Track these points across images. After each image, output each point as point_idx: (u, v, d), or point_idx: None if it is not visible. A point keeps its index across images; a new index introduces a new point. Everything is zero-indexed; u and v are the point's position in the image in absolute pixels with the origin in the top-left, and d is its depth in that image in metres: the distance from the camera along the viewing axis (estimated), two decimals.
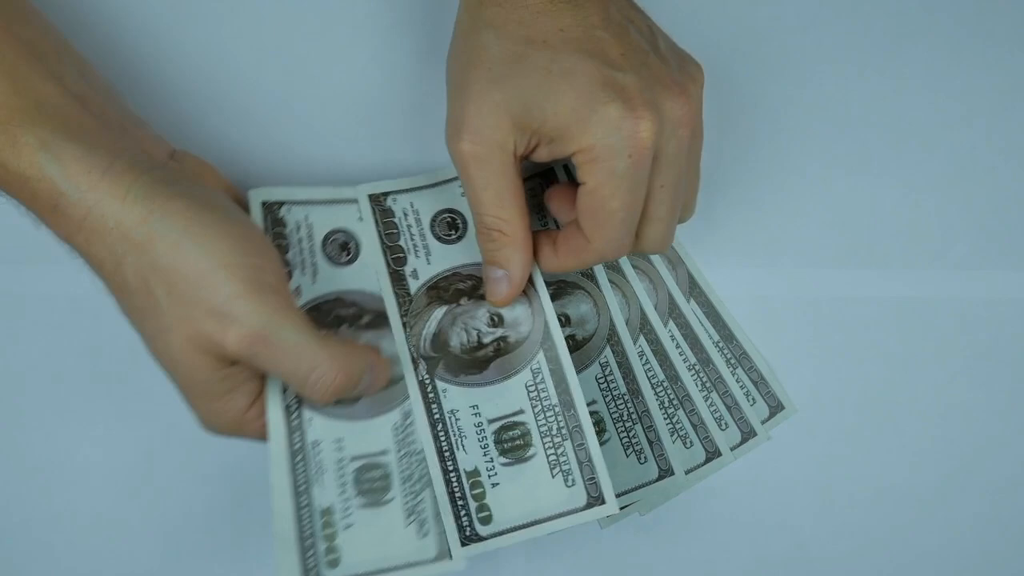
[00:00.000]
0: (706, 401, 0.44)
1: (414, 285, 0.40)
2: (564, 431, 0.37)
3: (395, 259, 0.40)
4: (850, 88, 0.46)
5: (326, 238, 0.39)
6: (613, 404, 0.43)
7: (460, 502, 0.37)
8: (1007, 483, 0.44)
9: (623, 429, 0.43)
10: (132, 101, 0.40)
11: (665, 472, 0.43)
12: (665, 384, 0.43)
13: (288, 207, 0.39)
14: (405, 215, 0.41)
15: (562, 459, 0.37)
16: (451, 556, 0.35)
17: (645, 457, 0.43)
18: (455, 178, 0.42)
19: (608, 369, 0.43)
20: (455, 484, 0.37)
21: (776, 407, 0.44)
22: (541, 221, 0.43)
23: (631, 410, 0.43)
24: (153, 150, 0.35)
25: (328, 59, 0.43)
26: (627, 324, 0.44)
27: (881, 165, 0.45)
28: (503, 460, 0.37)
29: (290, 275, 0.38)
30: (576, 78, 0.33)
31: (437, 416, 0.38)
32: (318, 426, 0.37)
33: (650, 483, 0.42)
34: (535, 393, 0.38)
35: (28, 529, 0.42)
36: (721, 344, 0.44)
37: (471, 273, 0.40)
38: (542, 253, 0.38)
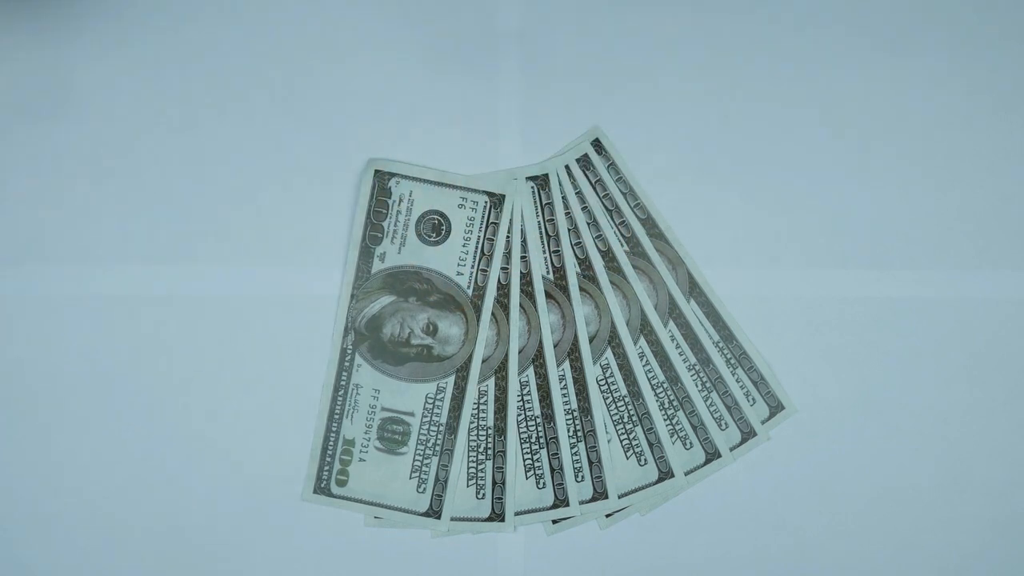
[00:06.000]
0: (706, 401, 0.44)
1: (376, 266, 0.43)
2: (438, 448, 0.42)
3: (372, 236, 0.43)
4: (850, 88, 0.46)
5: (422, 216, 0.43)
6: (614, 406, 0.43)
7: (328, 458, 0.42)
8: (1007, 483, 0.45)
9: (623, 431, 0.43)
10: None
11: (665, 474, 0.43)
12: (665, 385, 0.43)
13: (397, 180, 0.43)
14: (400, 200, 0.43)
15: (424, 468, 0.42)
16: (440, 518, 0.42)
17: (645, 459, 0.43)
18: (463, 186, 0.43)
19: (609, 371, 0.43)
20: (331, 443, 0.42)
21: (776, 407, 0.44)
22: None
23: (631, 412, 0.43)
24: None
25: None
26: (627, 325, 0.44)
27: (881, 165, 0.45)
28: (378, 444, 0.42)
29: (379, 240, 0.42)
30: None
31: (343, 383, 0.42)
32: (364, 373, 0.42)
33: (650, 485, 0.43)
34: (430, 406, 0.42)
35: (28, 530, 0.42)
36: (721, 344, 0.44)
37: (430, 279, 0.42)
38: None
